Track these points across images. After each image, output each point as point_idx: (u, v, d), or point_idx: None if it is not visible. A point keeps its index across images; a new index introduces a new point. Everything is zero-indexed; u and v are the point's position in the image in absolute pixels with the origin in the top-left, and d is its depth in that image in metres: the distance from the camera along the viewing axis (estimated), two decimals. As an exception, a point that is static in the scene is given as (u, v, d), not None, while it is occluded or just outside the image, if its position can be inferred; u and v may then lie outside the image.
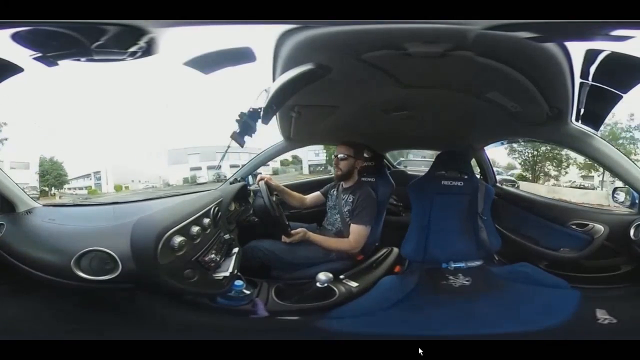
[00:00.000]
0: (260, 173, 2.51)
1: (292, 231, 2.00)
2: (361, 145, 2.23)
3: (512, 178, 3.99)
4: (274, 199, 2.04)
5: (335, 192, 2.23)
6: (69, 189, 3.63)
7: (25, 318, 1.47)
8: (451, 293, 1.80)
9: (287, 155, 3.95)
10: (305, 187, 2.54)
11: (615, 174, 1.91)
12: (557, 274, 1.92)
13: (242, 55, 1.50)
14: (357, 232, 2.03)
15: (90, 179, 3.75)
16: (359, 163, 2.17)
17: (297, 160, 3.87)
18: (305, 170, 3.91)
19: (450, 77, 1.57)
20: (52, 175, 3.45)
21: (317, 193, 2.38)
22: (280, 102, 1.49)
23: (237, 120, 1.53)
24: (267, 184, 2.07)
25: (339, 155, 2.14)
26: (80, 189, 3.75)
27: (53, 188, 3.48)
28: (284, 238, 2.00)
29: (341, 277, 1.87)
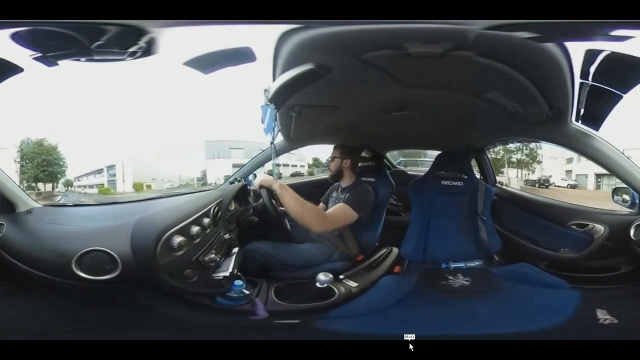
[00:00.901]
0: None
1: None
2: (350, 146, 2.23)
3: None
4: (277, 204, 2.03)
5: (335, 194, 2.24)
6: (79, 186, 2.96)
7: (25, 318, 1.47)
8: (451, 293, 1.80)
9: (309, 158, 3.78)
10: (305, 187, 2.53)
11: (615, 174, 1.91)
12: (557, 274, 1.91)
13: (242, 55, 1.50)
14: (339, 210, 1.93)
15: (103, 175, 3.03)
16: (348, 162, 2.16)
17: (318, 163, 3.76)
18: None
19: (450, 77, 1.57)
20: (34, 163, 2.52)
21: (321, 204, 2.33)
22: (280, 102, 1.50)
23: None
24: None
25: (329, 158, 2.20)
26: (91, 187, 3.03)
27: (38, 182, 2.60)
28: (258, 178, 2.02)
29: (341, 277, 1.86)
